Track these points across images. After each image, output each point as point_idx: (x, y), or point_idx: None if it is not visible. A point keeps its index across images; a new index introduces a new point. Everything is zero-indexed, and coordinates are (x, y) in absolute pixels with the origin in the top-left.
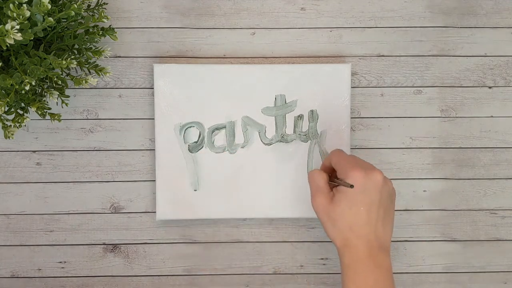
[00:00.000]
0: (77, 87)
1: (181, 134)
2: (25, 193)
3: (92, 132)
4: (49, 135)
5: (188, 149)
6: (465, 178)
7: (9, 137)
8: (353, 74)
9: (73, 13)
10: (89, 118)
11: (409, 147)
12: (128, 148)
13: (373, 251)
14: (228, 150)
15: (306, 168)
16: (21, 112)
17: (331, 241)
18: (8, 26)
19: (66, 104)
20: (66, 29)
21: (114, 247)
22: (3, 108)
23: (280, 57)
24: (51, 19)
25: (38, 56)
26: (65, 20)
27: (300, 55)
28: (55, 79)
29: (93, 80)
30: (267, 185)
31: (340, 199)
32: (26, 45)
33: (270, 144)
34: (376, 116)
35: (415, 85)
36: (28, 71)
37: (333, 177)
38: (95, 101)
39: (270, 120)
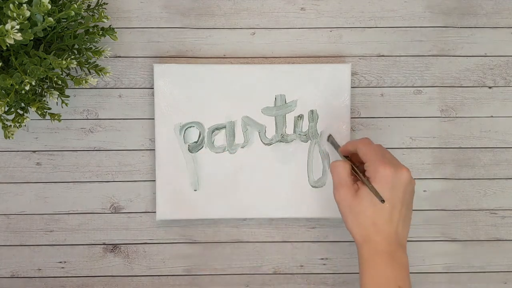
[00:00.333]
0: (77, 87)
1: (181, 134)
2: (25, 193)
3: (92, 132)
4: (49, 135)
5: (188, 149)
6: (465, 178)
7: (9, 137)
8: (353, 74)
9: (73, 13)
10: (89, 118)
11: (409, 147)
12: (128, 148)
13: (392, 247)
14: (228, 150)
15: (306, 168)
16: (21, 112)
17: (332, 241)
18: (8, 26)
19: (66, 104)
20: (66, 29)
21: (114, 247)
22: (3, 108)
23: (280, 57)
24: (51, 19)
25: (38, 56)
26: (65, 20)
27: (300, 55)
28: (55, 79)
29: (93, 80)
30: (267, 185)
31: (364, 195)
32: (26, 45)
33: (270, 144)
34: (376, 116)
35: (415, 85)
36: (28, 71)
37: (354, 161)
38: (95, 101)
39: (270, 120)
